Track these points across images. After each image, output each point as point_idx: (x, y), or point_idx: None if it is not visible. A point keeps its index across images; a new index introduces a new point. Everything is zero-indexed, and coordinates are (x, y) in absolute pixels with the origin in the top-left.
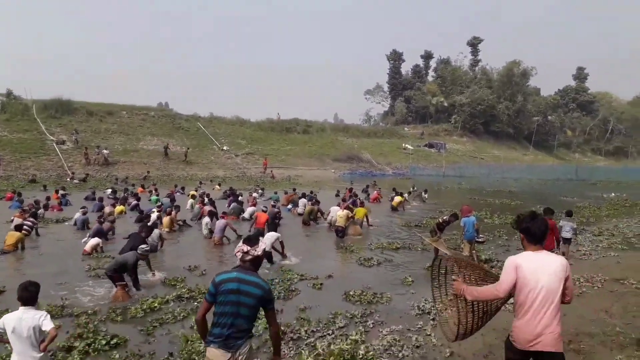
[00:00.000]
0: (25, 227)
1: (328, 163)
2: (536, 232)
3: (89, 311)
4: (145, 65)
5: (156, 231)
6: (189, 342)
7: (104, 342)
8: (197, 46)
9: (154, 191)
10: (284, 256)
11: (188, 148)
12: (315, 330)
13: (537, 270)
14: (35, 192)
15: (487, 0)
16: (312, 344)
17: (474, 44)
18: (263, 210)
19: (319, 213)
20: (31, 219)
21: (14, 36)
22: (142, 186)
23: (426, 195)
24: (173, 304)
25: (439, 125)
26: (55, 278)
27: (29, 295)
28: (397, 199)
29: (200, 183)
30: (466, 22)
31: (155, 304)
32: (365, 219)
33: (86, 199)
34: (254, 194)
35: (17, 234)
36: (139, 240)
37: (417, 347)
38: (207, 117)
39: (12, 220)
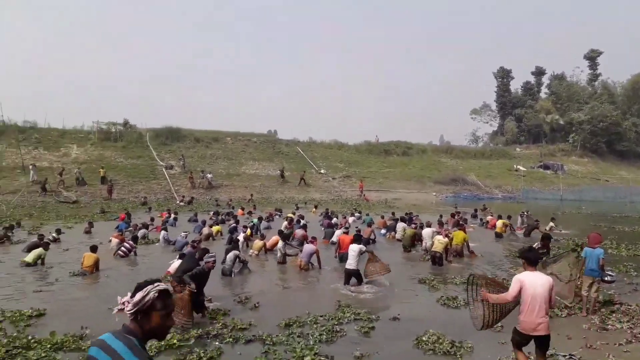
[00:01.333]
0: (123, 249)
1: (429, 186)
2: (532, 258)
3: None
4: (251, 91)
5: (231, 254)
6: None
7: None
8: (298, 71)
9: (252, 213)
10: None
11: (304, 172)
12: None
13: (533, 284)
14: (143, 214)
15: (603, 8)
16: None
17: (592, 57)
18: (345, 233)
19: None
20: (130, 242)
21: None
22: (242, 208)
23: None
24: (194, 341)
25: (555, 145)
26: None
27: None
28: (499, 223)
29: (297, 207)
30: (581, 34)
31: (174, 341)
32: (464, 245)
33: (189, 221)
34: (350, 218)
35: (94, 255)
36: (192, 262)
37: None
38: (306, 142)
39: (110, 241)
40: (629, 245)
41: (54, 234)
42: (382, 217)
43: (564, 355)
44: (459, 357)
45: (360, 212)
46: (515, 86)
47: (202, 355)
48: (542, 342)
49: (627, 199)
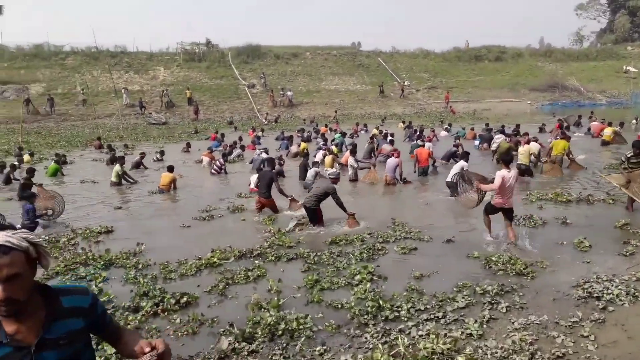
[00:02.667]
0: (215, 167)
1: (523, 94)
2: (507, 160)
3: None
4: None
5: (312, 170)
6: (261, 309)
7: (173, 301)
8: None
9: (337, 130)
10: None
11: (404, 82)
12: (423, 309)
13: (509, 178)
14: (229, 134)
15: None
16: (407, 332)
17: None
18: (420, 145)
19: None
20: (220, 160)
21: None
22: (325, 125)
23: None
24: (242, 260)
25: None
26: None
27: None
28: (608, 130)
29: (383, 120)
30: None
31: (215, 260)
32: (566, 155)
33: (276, 139)
34: (442, 132)
35: (170, 175)
36: (267, 174)
37: (559, 357)
38: (388, 52)
39: (201, 160)
40: None
41: (157, 155)
42: (472, 129)
43: None
44: (533, 277)
45: (450, 125)
46: None
47: (249, 274)
48: (509, 213)
49: None
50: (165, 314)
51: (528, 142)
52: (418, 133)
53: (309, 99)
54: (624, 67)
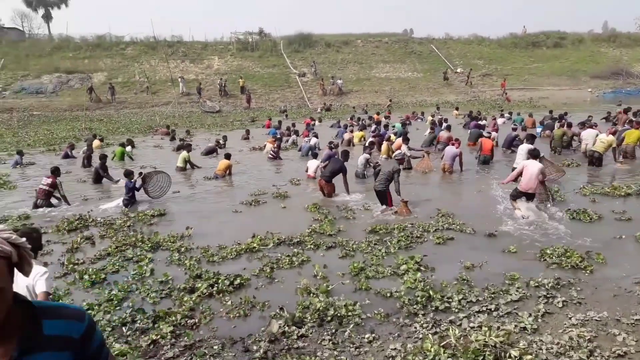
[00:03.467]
0: (271, 152)
1: (584, 81)
2: (534, 154)
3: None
4: None
5: (362, 157)
6: (310, 294)
7: (227, 282)
8: None
9: (389, 117)
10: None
11: (470, 69)
12: (475, 300)
13: (531, 166)
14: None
15: None
16: (458, 323)
17: None
18: (486, 136)
19: (573, 137)
20: (276, 145)
21: None
22: (377, 113)
23: None
24: (280, 247)
25: None
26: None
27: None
28: None
29: (438, 108)
30: None
31: (255, 245)
32: (637, 145)
33: (331, 127)
34: (499, 119)
35: (227, 162)
36: (338, 163)
37: (620, 356)
38: (441, 39)
39: (264, 147)
40: None
41: (221, 140)
42: (530, 115)
43: None
44: (591, 271)
45: (510, 113)
46: None
47: (293, 259)
48: (530, 197)
49: None
50: (221, 295)
51: (614, 133)
52: (475, 121)
53: (358, 87)
54: None
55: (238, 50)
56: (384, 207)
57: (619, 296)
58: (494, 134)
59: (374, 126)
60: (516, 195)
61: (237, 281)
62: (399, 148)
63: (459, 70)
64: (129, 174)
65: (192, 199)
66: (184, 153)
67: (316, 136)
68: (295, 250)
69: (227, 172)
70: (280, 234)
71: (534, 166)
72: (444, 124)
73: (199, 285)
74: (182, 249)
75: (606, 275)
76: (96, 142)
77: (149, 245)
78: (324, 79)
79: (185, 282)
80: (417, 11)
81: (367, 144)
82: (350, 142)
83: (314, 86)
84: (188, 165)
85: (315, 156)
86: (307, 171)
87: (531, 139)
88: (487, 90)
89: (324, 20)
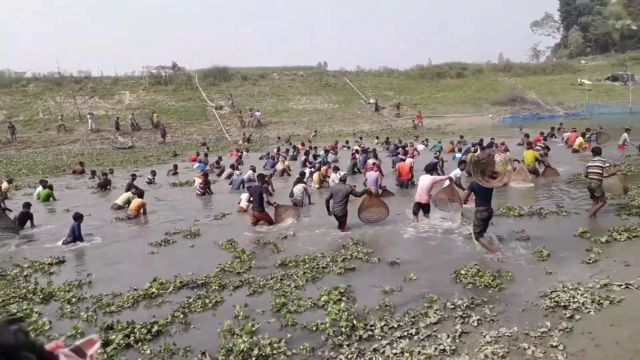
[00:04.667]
0: (199, 188)
1: (485, 108)
2: (426, 168)
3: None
4: (300, 23)
5: (300, 186)
6: (234, 336)
7: (145, 330)
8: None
9: (312, 148)
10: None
11: (399, 103)
12: (396, 325)
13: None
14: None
15: None
16: (382, 351)
17: None
18: (402, 159)
19: None
20: (206, 184)
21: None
22: (302, 143)
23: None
24: (184, 290)
25: (626, 54)
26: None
27: None
28: (578, 139)
29: (360, 137)
30: None
31: (153, 290)
32: (537, 165)
33: (260, 158)
34: (419, 146)
35: (139, 200)
36: (258, 188)
37: None
38: (353, 72)
39: (194, 181)
40: None
41: (149, 177)
42: (451, 142)
43: (620, 285)
44: (501, 289)
45: (427, 140)
46: None
47: (206, 301)
48: (424, 208)
49: None
50: (139, 344)
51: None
52: (400, 148)
53: (277, 119)
54: (579, 80)
55: (150, 85)
56: (339, 230)
57: (527, 310)
58: (409, 159)
59: (303, 157)
60: (416, 210)
61: (155, 328)
62: (326, 174)
63: (371, 101)
64: (78, 217)
65: (101, 243)
66: (128, 193)
67: (253, 169)
68: (200, 292)
69: (141, 211)
70: (182, 277)
71: (425, 180)
72: (370, 152)
73: (113, 337)
74: (74, 300)
75: (515, 292)
76: (4, 185)
77: (41, 297)
78: (242, 111)
79: (97, 335)
80: (330, 45)
81: (299, 174)
82: (284, 172)
83: (232, 118)
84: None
85: (247, 189)
86: (239, 203)
87: (462, 163)
88: (398, 119)
89: (239, 55)
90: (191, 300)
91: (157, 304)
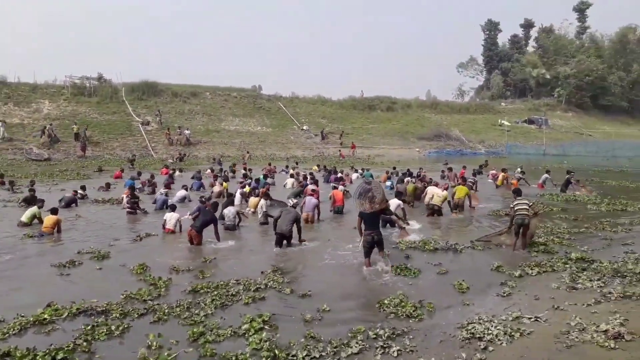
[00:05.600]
0: (127, 205)
1: (412, 142)
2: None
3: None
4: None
5: (232, 209)
6: None
7: (49, 358)
8: (283, 24)
9: (249, 170)
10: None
11: (343, 131)
12: (319, 356)
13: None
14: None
15: None
16: None
17: (581, 9)
18: (334, 187)
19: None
20: (133, 199)
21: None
22: (234, 164)
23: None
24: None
25: (540, 100)
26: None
27: None
28: (501, 175)
29: (297, 163)
30: None
31: (45, 316)
32: (467, 200)
33: (192, 177)
34: (353, 175)
35: (54, 217)
36: (209, 214)
37: None
38: (288, 97)
39: (122, 199)
40: (613, 199)
41: (80, 191)
42: (387, 172)
43: (529, 318)
44: (421, 319)
45: (362, 169)
46: (503, 39)
47: (112, 328)
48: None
49: (609, 153)
50: None
51: (446, 188)
52: (333, 174)
53: (208, 139)
54: (499, 121)
55: (73, 95)
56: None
57: (445, 341)
58: (341, 187)
59: (244, 179)
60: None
61: (60, 356)
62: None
63: (304, 127)
64: None
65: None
66: (34, 208)
67: (186, 189)
68: (99, 320)
69: (56, 228)
70: (81, 303)
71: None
72: (309, 179)
73: None
74: None
75: (434, 322)
76: None
77: None
78: (170, 128)
79: None
80: (265, 69)
81: (227, 197)
82: (220, 194)
83: (159, 135)
84: (35, 221)
85: (173, 209)
86: (164, 225)
87: (399, 194)
88: (330, 147)
89: (169, 70)
90: (93, 327)
91: (45, 332)
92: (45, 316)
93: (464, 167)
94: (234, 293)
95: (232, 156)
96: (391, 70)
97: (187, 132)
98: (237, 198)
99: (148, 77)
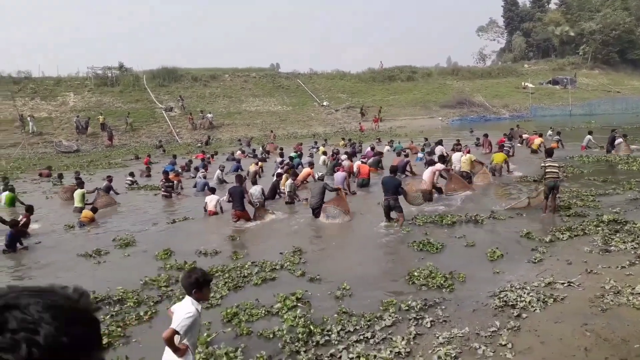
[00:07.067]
0: (164, 189)
1: (435, 110)
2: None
3: None
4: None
5: (258, 187)
6: None
7: None
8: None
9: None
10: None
11: (381, 107)
12: (353, 329)
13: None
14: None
15: None
16: (338, 356)
17: None
18: (362, 162)
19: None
20: (168, 183)
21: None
22: (263, 145)
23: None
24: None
25: (565, 59)
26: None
27: (185, 283)
28: (537, 140)
29: (326, 140)
30: None
31: None
32: (505, 165)
33: (227, 160)
34: (385, 147)
35: (91, 214)
36: (237, 189)
37: None
38: (306, 74)
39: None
40: None
41: (130, 178)
42: (412, 142)
43: (562, 283)
44: (452, 290)
45: (391, 141)
46: None
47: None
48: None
49: (639, 109)
50: None
51: (469, 152)
52: (371, 150)
53: (230, 121)
54: (523, 84)
55: (96, 86)
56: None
57: (477, 310)
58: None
59: (279, 158)
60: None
61: (104, 341)
62: (308, 176)
63: (324, 103)
64: (13, 225)
65: (37, 249)
66: (80, 190)
67: (222, 169)
68: (112, 309)
69: (90, 221)
70: (98, 292)
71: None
72: (343, 153)
73: None
74: None
75: (466, 292)
76: None
77: None
78: (192, 113)
79: None
80: (282, 47)
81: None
82: (256, 174)
83: (183, 120)
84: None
85: (213, 191)
86: (205, 207)
87: (441, 160)
88: (352, 122)
89: (188, 55)
90: (122, 313)
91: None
92: None
93: (505, 135)
94: (245, 275)
95: (255, 137)
96: (410, 39)
97: (209, 115)
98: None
99: (167, 63)
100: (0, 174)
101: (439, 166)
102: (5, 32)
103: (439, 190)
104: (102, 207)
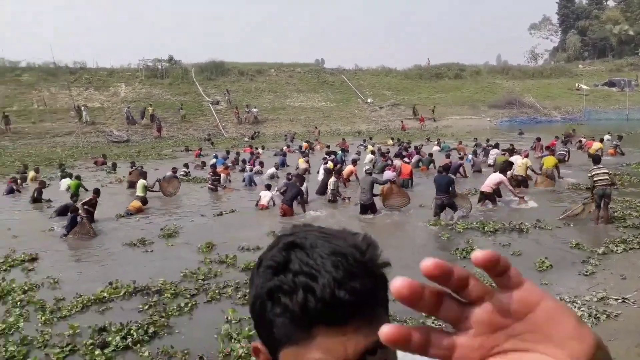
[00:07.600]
0: (210, 183)
1: (483, 111)
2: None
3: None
4: (298, 20)
5: (304, 185)
6: (232, 340)
7: (142, 332)
8: None
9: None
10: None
11: (434, 107)
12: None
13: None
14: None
15: None
16: None
17: None
18: (405, 162)
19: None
20: (215, 176)
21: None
22: (308, 142)
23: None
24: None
25: (623, 60)
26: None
27: None
28: (596, 144)
29: (371, 138)
30: None
31: (105, 295)
32: (555, 170)
33: (275, 154)
34: (434, 147)
35: (140, 205)
36: (295, 189)
37: None
38: (351, 70)
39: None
40: None
41: (184, 169)
42: (460, 142)
43: (616, 299)
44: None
45: (438, 140)
46: None
47: (182, 305)
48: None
49: None
50: (138, 346)
51: (526, 156)
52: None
53: (274, 116)
54: (577, 85)
55: (147, 78)
56: (371, 215)
57: None
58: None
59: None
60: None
61: (151, 329)
62: (351, 173)
63: (369, 100)
64: (74, 210)
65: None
66: (142, 181)
67: (277, 167)
68: (150, 300)
69: (139, 211)
70: (139, 282)
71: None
72: (394, 154)
73: (110, 338)
74: (19, 303)
75: None
76: (32, 174)
77: None
78: (238, 107)
79: (89, 336)
80: (328, 43)
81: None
82: (306, 171)
83: (229, 114)
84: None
85: (268, 187)
86: (258, 201)
87: (509, 166)
88: (396, 120)
89: (236, 49)
90: (163, 305)
91: (107, 309)
92: (105, 294)
93: (556, 137)
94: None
95: (299, 132)
96: (459, 35)
97: (255, 110)
98: (321, 173)
99: (214, 57)
100: (56, 161)
101: (505, 180)
102: (66, 24)
103: (493, 200)
104: (174, 190)
